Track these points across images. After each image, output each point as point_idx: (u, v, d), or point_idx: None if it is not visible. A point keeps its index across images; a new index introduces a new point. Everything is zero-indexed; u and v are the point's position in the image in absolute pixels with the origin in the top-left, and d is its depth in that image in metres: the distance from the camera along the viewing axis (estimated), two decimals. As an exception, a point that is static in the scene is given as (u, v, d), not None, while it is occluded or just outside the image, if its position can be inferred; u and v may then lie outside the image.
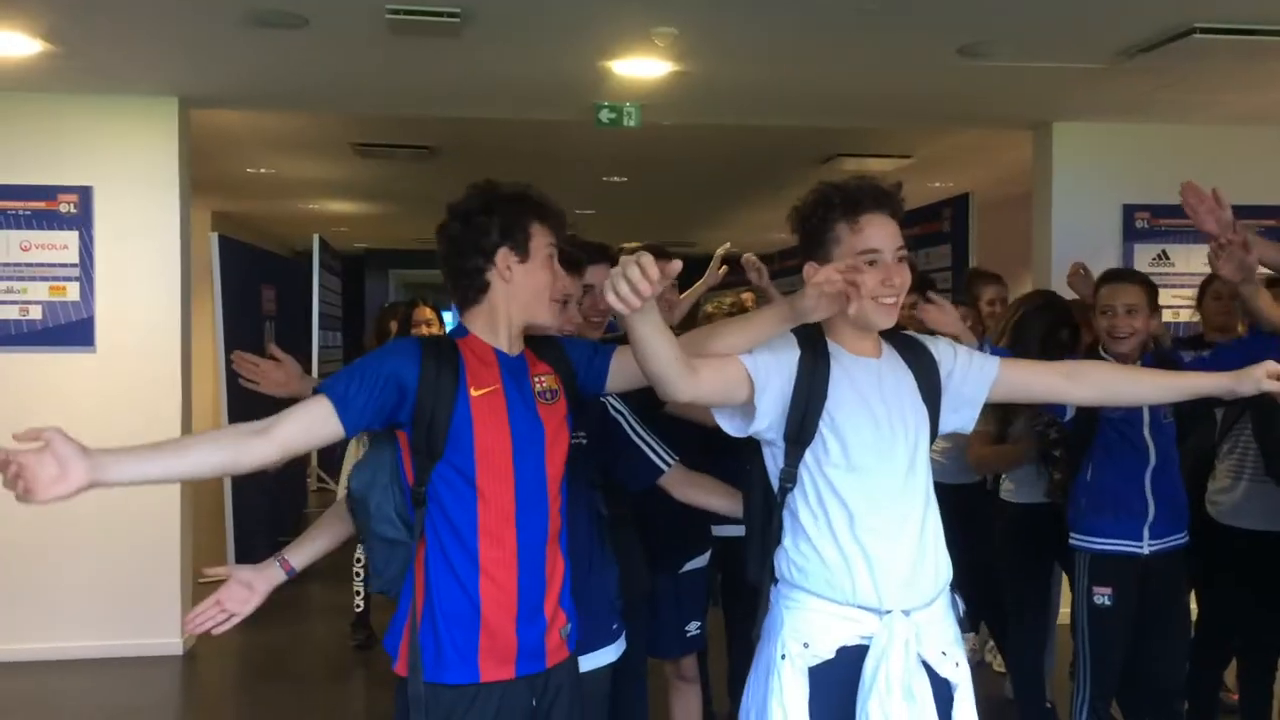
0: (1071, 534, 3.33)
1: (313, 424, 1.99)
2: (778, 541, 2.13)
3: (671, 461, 2.63)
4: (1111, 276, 3.36)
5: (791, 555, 2.09)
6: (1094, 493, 3.27)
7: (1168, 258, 6.08)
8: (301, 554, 2.31)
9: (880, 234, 2.06)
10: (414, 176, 8.58)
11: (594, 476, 2.61)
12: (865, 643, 2.03)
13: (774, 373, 2.07)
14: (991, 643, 4.93)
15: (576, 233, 2.63)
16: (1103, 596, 3.23)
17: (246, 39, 4.41)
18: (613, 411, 2.64)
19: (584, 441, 2.50)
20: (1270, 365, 2.03)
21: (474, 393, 2.05)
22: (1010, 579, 3.92)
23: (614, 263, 2.94)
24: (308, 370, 4.76)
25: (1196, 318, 4.39)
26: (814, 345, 2.11)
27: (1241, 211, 6.37)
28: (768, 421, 2.08)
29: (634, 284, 1.71)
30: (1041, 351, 3.46)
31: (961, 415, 2.22)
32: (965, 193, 8.51)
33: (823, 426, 2.06)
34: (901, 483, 2.09)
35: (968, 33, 4.35)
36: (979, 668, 4.74)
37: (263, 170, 8.58)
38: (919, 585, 2.07)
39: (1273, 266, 3.23)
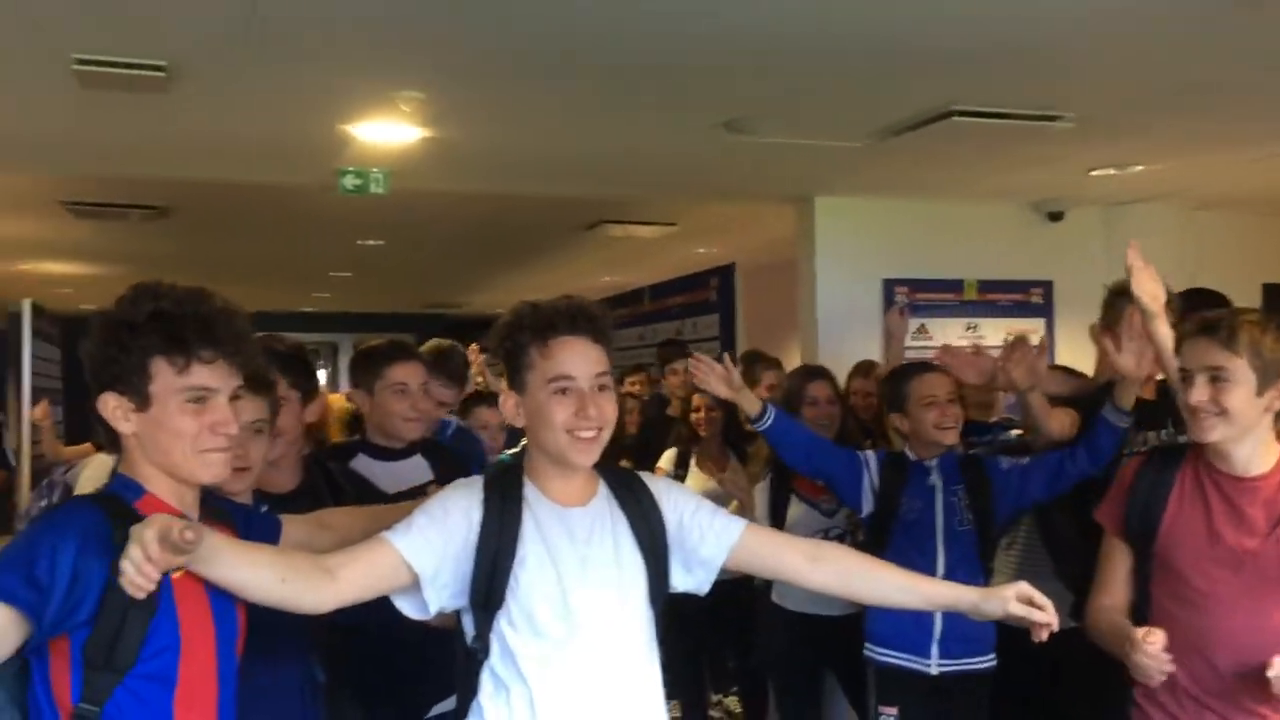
0: (865, 641, 3.06)
1: None
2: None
3: None
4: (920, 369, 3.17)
5: None
6: None
7: (927, 331, 6.13)
8: None
9: (574, 359, 1.81)
10: (146, 237, 7.75)
11: (317, 632, 2.17)
12: None
13: (436, 547, 1.77)
14: None
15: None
16: (889, 716, 3.00)
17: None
18: None
19: None
20: (1021, 588, 1.82)
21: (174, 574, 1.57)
22: (780, 690, 3.71)
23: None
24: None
25: None
26: (504, 492, 1.82)
27: (990, 286, 6.42)
28: (449, 595, 1.80)
29: (137, 566, 1.45)
30: None
31: (695, 577, 1.93)
32: (731, 263, 8.45)
33: (508, 591, 1.79)
34: (603, 652, 1.80)
35: (733, 108, 4.18)
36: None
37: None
38: None
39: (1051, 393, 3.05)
